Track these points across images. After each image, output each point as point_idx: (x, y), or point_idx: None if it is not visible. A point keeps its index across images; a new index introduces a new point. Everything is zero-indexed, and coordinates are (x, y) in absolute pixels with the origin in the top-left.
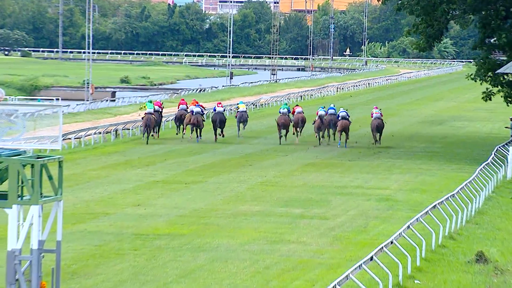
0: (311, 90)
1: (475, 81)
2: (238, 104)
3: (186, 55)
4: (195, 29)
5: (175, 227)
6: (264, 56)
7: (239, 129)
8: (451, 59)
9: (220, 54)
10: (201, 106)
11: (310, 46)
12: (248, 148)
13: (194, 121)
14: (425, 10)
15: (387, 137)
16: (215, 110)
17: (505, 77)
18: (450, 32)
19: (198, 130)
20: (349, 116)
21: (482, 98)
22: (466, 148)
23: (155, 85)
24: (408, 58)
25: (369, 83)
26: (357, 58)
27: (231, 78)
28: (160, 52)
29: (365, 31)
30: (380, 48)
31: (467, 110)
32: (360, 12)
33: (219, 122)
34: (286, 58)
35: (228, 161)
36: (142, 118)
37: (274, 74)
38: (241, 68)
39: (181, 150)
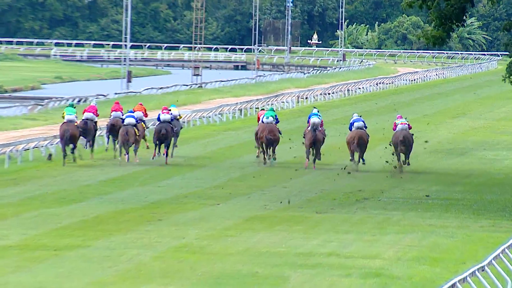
0: (257, 100)
1: None
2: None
3: (56, 44)
4: (70, 2)
5: None
6: (183, 46)
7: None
8: (480, 51)
9: (112, 43)
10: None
11: (254, 30)
12: (155, 191)
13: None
14: None
15: (377, 176)
16: (159, 119)
17: None
18: (478, 8)
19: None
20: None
21: None
22: (502, 193)
23: (5, 92)
24: (411, 50)
25: (348, 90)
26: (330, 49)
27: (128, 80)
28: (15, 39)
29: (342, 7)
30: (367, 34)
31: (505, 132)
32: None
33: (166, 135)
34: (216, 49)
35: (124, 213)
36: (60, 129)
37: (197, 75)
38: (145, 65)
39: (54, 194)
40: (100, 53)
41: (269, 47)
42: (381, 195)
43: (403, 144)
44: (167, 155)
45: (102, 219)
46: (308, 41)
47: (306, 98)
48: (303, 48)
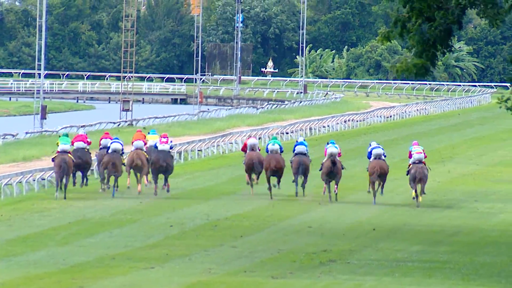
0: (200, 141)
1: None
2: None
3: None
4: None
5: None
6: (109, 75)
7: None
8: (470, 82)
9: (22, 71)
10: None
11: (197, 56)
12: (76, 252)
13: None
14: None
15: (346, 233)
16: (156, 147)
17: None
18: (467, 30)
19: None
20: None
21: None
22: (497, 254)
23: None
24: (387, 80)
25: (310, 128)
26: (288, 79)
27: (43, 117)
28: None
29: (303, 28)
30: (333, 61)
31: (500, 180)
32: None
33: (165, 166)
34: (151, 79)
35: (37, 279)
36: (53, 159)
37: (127, 110)
38: (63, 98)
39: None
40: (8, 83)
41: (215, 76)
42: (351, 257)
43: (419, 180)
44: (165, 186)
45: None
46: (262, 69)
47: (259, 138)
48: (256, 77)
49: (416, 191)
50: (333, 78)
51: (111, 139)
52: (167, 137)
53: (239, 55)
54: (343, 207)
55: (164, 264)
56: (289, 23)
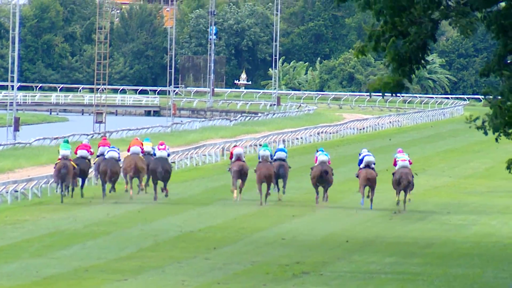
0: (173, 153)
1: (486, 134)
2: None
3: None
4: None
5: None
6: (82, 87)
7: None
8: (443, 94)
9: None
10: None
11: (170, 68)
12: (49, 264)
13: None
14: (394, 3)
15: (319, 245)
16: (155, 154)
17: None
18: (439, 42)
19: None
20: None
21: (507, 168)
22: (470, 266)
23: None
24: (360, 92)
25: (284, 140)
26: (261, 91)
27: (16, 129)
28: None
29: (276, 40)
30: (306, 73)
31: (473, 192)
32: (266, 3)
33: (163, 172)
34: (124, 91)
35: None
36: (55, 166)
37: (100, 122)
38: (36, 111)
39: None
40: None
41: (188, 88)
42: (324, 269)
43: (398, 184)
44: (164, 190)
45: None
46: (235, 81)
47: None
48: (229, 89)
49: (398, 196)
50: (306, 90)
51: (109, 147)
52: (164, 145)
53: (212, 67)
54: (316, 219)
55: (138, 276)
56: (262, 36)
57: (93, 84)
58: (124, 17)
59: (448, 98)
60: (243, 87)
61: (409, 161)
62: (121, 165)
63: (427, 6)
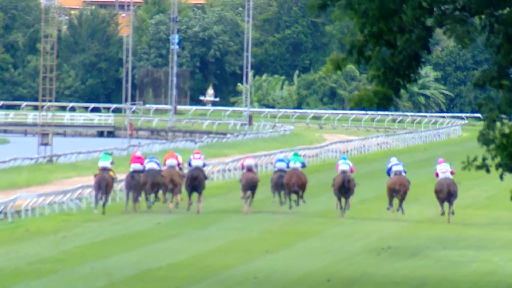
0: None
1: (488, 172)
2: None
3: None
4: None
5: None
6: (26, 104)
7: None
8: (438, 112)
9: None
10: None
11: (126, 82)
12: None
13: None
14: (381, 6)
15: (293, 285)
16: (190, 164)
17: None
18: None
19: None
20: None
21: (511, 198)
22: None
23: None
24: (343, 110)
25: (256, 165)
26: (231, 109)
27: None
28: None
29: (247, 50)
30: (282, 88)
31: (472, 224)
32: (236, 7)
33: (198, 181)
34: (73, 109)
35: None
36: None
37: (46, 144)
38: None
39: None
40: None
41: (147, 105)
42: None
43: (448, 196)
44: (199, 201)
45: None
46: (201, 97)
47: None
48: (194, 107)
49: (443, 207)
50: (282, 108)
51: (140, 161)
52: (200, 153)
53: (174, 82)
54: (294, 255)
55: None
56: (231, 45)
57: (38, 101)
58: (73, 24)
59: (443, 116)
60: (210, 104)
61: (451, 172)
62: (162, 176)
63: (418, 12)
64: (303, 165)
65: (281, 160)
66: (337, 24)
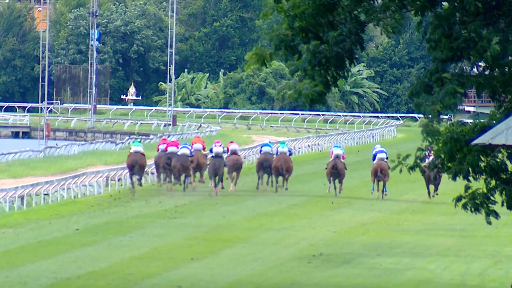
0: (47, 183)
1: (423, 173)
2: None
3: None
4: None
5: None
6: None
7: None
8: (371, 112)
9: None
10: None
11: (43, 80)
12: None
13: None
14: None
15: None
16: (211, 151)
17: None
18: (367, 50)
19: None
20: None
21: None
22: None
23: None
24: (272, 110)
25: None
26: (154, 108)
27: None
28: None
29: (172, 47)
30: (206, 87)
31: (408, 230)
32: (160, 1)
33: (220, 167)
34: None
35: None
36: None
37: None
38: None
39: None
40: None
41: (65, 105)
42: None
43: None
44: (220, 185)
45: None
46: (123, 96)
47: (119, 180)
48: (115, 106)
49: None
50: (208, 108)
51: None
52: (220, 142)
53: (94, 79)
54: (220, 262)
55: None
56: (155, 40)
57: None
58: None
59: (378, 117)
60: (132, 104)
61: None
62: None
63: (350, 5)
64: (290, 153)
65: (267, 145)
66: (266, 19)
